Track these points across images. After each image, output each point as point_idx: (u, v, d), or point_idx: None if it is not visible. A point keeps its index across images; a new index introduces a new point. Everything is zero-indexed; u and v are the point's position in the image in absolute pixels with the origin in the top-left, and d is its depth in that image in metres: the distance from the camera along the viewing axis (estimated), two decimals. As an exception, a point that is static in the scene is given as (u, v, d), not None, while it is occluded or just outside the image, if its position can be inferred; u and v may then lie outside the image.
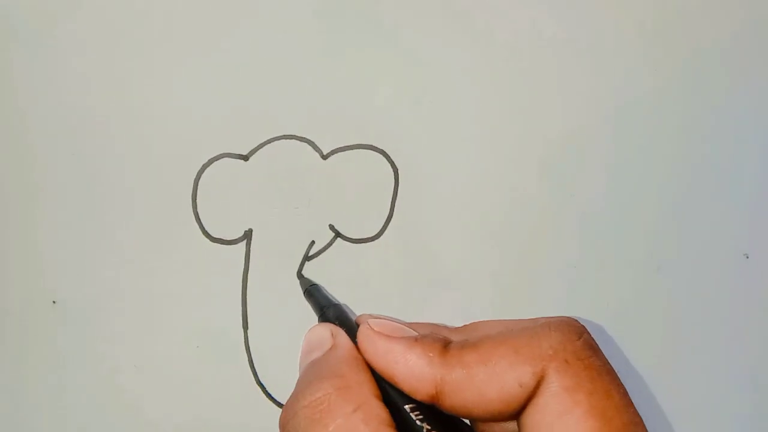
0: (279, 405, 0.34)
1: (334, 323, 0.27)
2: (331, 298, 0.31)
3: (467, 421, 0.25)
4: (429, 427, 0.23)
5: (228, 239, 0.34)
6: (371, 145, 0.35)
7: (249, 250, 0.34)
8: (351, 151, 0.35)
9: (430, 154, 0.35)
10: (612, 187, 0.36)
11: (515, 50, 0.35)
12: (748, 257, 0.35)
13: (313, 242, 0.34)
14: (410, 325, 0.26)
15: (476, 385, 0.22)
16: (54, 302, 0.34)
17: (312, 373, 0.24)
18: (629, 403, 0.23)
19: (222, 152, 0.34)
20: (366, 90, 0.35)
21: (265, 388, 0.34)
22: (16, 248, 0.33)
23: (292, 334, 0.34)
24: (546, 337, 0.23)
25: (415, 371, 0.23)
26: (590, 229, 0.35)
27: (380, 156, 0.35)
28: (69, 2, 0.33)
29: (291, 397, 0.24)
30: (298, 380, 0.25)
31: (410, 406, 0.23)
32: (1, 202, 0.33)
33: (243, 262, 0.34)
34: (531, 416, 0.22)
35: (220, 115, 0.34)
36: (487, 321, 0.26)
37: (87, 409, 0.33)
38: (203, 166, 0.34)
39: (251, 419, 0.34)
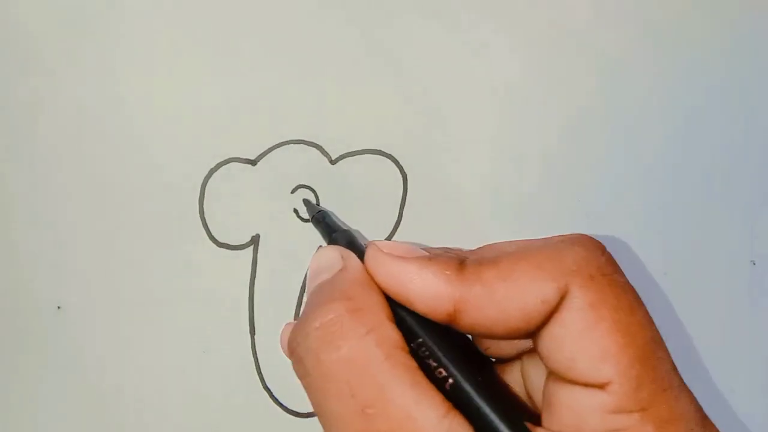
0: (286, 410, 0.34)
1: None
2: (340, 224, 0.29)
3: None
4: (435, 364, 0.22)
5: (235, 244, 0.34)
6: (380, 150, 0.34)
7: (256, 256, 0.34)
8: (359, 155, 0.34)
9: (438, 158, 0.35)
10: (619, 192, 0.35)
11: (522, 55, 0.35)
12: (755, 264, 0.35)
13: (320, 247, 0.34)
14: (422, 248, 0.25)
15: (497, 301, 0.21)
16: (59, 307, 0.33)
17: (323, 295, 0.23)
18: (651, 321, 0.22)
19: (230, 157, 0.34)
20: (375, 94, 0.34)
21: (272, 393, 0.34)
22: (20, 253, 0.33)
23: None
24: (569, 252, 0.22)
25: (431, 290, 0.22)
26: (597, 233, 0.35)
27: (389, 161, 0.34)
28: (75, 5, 0.33)
29: (301, 318, 0.22)
30: (307, 302, 0.24)
31: (417, 342, 0.22)
32: (5, 206, 0.33)
33: (250, 267, 0.34)
34: (552, 331, 0.21)
35: (227, 119, 0.34)
36: (502, 242, 0.24)
37: (91, 414, 0.33)
38: (210, 170, 0.34)
39: (258, 424, 0.34)
